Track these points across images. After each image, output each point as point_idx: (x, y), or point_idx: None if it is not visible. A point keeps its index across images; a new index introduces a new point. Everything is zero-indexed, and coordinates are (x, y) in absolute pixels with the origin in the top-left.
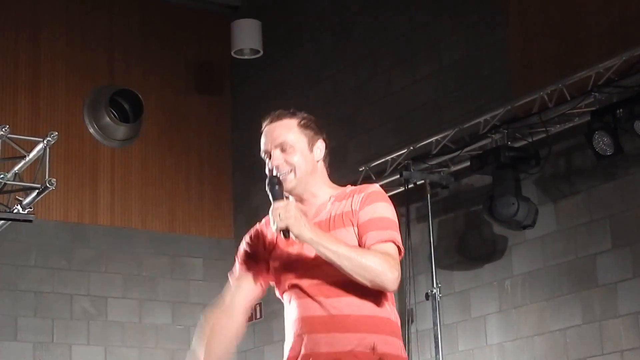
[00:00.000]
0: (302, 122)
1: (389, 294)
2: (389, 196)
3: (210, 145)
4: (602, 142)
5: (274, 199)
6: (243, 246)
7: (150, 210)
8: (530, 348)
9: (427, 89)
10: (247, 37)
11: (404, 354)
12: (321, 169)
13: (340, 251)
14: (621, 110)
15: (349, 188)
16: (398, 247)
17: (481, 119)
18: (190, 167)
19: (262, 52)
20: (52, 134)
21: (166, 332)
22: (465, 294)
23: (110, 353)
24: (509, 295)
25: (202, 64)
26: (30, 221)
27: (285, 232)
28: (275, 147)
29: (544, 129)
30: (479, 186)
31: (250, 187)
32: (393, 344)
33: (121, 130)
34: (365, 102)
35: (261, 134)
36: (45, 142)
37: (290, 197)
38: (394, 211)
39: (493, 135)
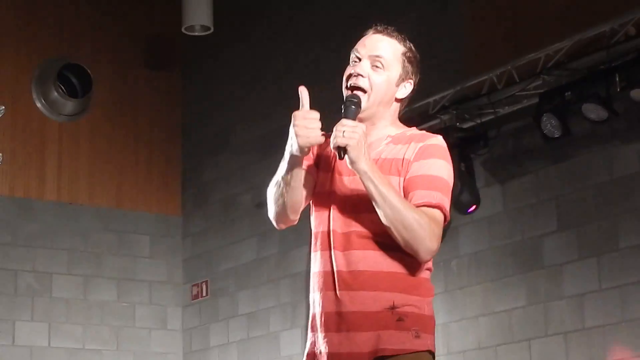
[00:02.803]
0: (408, 54)
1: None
2: None
3: (159, 122)
4: (550, 124)
5: (346, 116)
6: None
7: (97, 186)
8: (475, 329)
9: None
10: (197, 13)
11: (430, 313)
12: (395, 108)
13: (389, 196)
14: (569, 92)
15: (410, 131)
16: (445, 215)
17: (430, 100)
18: (139, 143)
19: (212, 29)
20: None
21: (111, 309)
22: None
23: (54, 330)
24: (455, 276)
25: (153, 39)
26: None
27: (342, 151)
28: (370, 57)
29: (492, 110)
30: None
31: (200, 164)
32: (416, 303)
33: (69, 105)
34: (317, 80)
35: (362, 36)
36: None
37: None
38: (452, 172)
39: (442, 116)
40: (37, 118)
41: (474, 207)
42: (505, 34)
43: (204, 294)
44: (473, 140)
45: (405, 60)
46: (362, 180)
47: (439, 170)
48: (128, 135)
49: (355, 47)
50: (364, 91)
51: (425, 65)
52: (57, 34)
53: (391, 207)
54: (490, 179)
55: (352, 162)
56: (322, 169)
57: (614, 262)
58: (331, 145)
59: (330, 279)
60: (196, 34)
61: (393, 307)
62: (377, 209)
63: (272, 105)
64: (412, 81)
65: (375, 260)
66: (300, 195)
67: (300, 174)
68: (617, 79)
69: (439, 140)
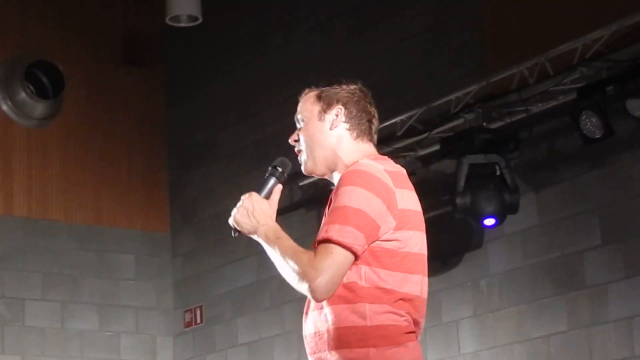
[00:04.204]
0: (322, 92)
1: (367, 295)
2: None
3: (141, 126)
4: (590, 124)
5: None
6: None
7: (72, 200)
8: (509, 357)
9: (389, 62)
10: (183, 2)
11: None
12: (341, 140)
13: (276, 255)
14: (611, 87)
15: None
16: (342, 244)
17: (452, 97)
18: (119, 150)
19: (201, 19)
20: None
21: (92, 340)
22: (434, 296)
23: None
24: (484, 298)
25: (133, 32)
26: None
27: (235, 229)
28: (296, 124)
29: (523, 108)
30: (449, 173)
31: (188, 173)
32: (360, 358)
33: (39, 108)
34: (317, 77)
35: None
36: None
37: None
38: (367, 190)
39: (466, 115)
40: (2, 123)
41: (494, 220)
42: (536, 21)
43: (198, 320)
44: (502, 143)
45: (320, 98)
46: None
47: (342, 199)
48: (106, 141)
49: None
50: (303, 152)
51: (444, 58)
52: (23, 27)
53: (278, 265)
54: (523, 187)
55: (249, 235)
56: None
57: None
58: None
59: (306, 342)
60: (182, 25)
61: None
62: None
63: (266, 106)
64: (339, 106)
65: (333, 316)
66: None
67: None
68: None
69: (353, 167)
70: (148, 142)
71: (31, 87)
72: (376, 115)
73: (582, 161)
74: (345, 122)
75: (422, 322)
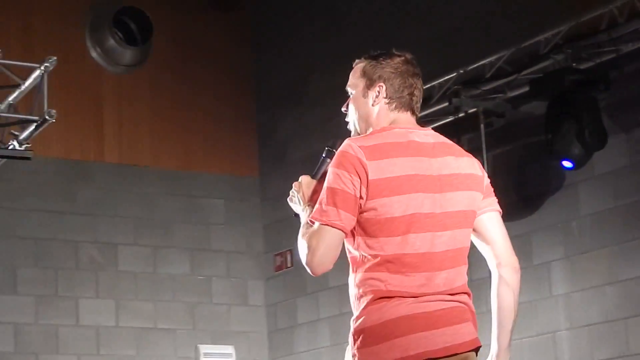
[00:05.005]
0: (368, 66)
1: (362, 261)
2: (437, 126)
3: (229, 69)
4: None
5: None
6: None
7: (162, 145)
8: (601, 299)
9: (478, 2)
10: None
11: (371, 323)
12: (380, 115)
13: (301, 232)
14: None
15: None
16: (325, 223)
17: (541, 37)
18: (208, 95)
19: None
20: (49, 58)
21: (184, 284)
22: (525, 238)
23: (122, 307)
24: (575, 239)
25: None
26: (28, 158)
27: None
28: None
29: (614, 48)
30: (539, 114)
31: (277, 116)
32: (358, 318)
33: (128, 54)
34: (405, 18)
35: None
36: (42, 68)
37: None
38: (339, 169)
39: (555, 56)
40: (92, 70)
41: (569, 162)
42: None
43: (289, 264)
44: (591, 84)
45: (365, 72)
46: None
47: (327, 181)
48: (194, 86)
49: None
50: (352, 124)
51: None
52: None
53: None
54: (613, 127)
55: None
56: None
57: None
58: None
59: None
60: None
61: (353, 327)
62: None
63: (354, 48)
64: (380, 83)
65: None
66: None
67: None
68: None
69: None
70: (236, 86)
71: (119, 34)
72: (419, 86)
73: None
74: (385, 97)
75: (439, 274)
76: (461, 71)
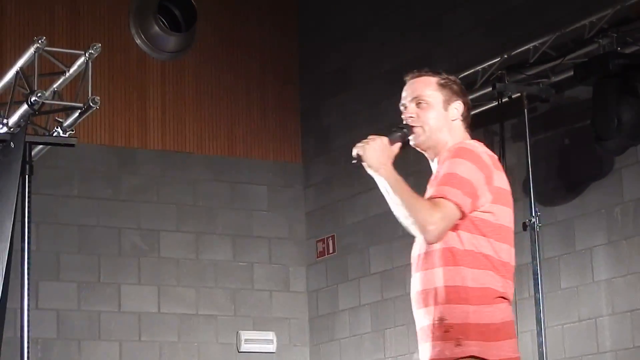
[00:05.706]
0: (441, 82)
1: (467, 259)
2: (480, 112)
3: (274, 55)
4: None
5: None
6: None
7: (206, 132)
8: None
9: None
10: None
11: (474, 320)
12: (455, 129)
13: (398, 191)
14: None
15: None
16: (451, 201)
17: (586, 22)
18: (252, 82)
19: None
20: (94, 45)
21: (227, 270)
22: (568, 223)
23: (164, 294)
24: (619, 225)
25: None
26: (72, 145)
27: (359, 158)
28: (411, 100)
29: None
30: (583, 99)
31: (321, 103)
32: (460, 313)
33: (172, 41)
34: (449, 3)
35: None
36: (87, 55)
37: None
38: (473, 165)
39: (600, 40)
40: (136, 56)
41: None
42: None
43: (331, 250)
44: (637, 68)
45: (442, 87)
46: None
47: (452, 168)
48: (238, 72)
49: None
50: (420, 125)
51: None
52: None
53: (394, 202)
54: None
55: (368, 167)
56: None
57: None
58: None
59: (414, 299)
60: None
61: (441, 320)
62: (393, 208)
63: (398, 34)
64: (459, 101)
65: (428, 279)
66: None
67: None
68: None
69: (461, 144)
70: (280, 72)
71: (164, 21)
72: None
73: None
74: (460, 115)
75: (513, 287)
76: (505, 56)
